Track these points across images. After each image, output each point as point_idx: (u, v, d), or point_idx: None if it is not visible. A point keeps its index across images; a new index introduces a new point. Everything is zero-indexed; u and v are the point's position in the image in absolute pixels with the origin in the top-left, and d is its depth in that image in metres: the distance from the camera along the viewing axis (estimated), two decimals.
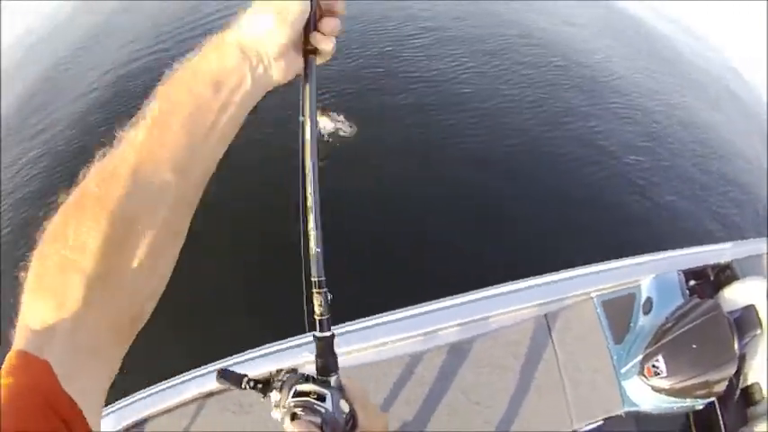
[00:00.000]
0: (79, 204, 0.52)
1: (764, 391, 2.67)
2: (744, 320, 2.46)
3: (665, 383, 2.17)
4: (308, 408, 0.70)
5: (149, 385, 2.05)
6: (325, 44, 0.64)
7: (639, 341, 2.22)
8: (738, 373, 2.43)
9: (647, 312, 2.25)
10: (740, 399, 2.60)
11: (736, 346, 2.34)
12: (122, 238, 0.52)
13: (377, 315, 2.05)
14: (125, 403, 1.96)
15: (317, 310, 0.73)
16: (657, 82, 6.15)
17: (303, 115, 0.66)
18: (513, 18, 7.06)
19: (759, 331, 2.50)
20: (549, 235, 3.38)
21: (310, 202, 0.67)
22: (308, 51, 0.65)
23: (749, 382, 2.61)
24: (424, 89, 5.07)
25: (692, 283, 2.49)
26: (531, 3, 7.77)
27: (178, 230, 0.59)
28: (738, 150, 5.38)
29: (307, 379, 0.76)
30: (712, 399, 2.37)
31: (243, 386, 0.84)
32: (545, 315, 2.06)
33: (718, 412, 2.55)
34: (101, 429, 0.51)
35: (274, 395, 0.76)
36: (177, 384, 2.02)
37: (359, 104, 4.74)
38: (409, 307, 2.05)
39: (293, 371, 0.78)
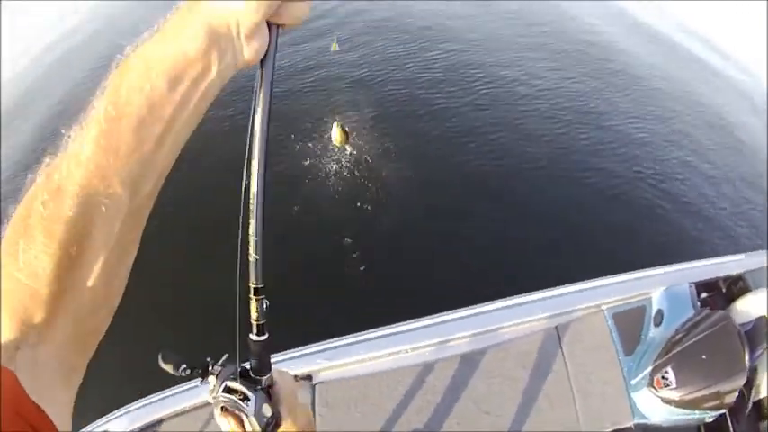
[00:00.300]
0: (26, 224, 0.49)
1: None
2: (756, 332, 2.46)
3: (674, 395, 2.19)
4: (233, 406, 0.76)
5: (163, 389, 2.12)
6: (299, 11, 0.55)
7: (650, 353, 2.24)
8: (750, 385, 2.43)
9: (657, 324, 2.28)
10: (752, 412, 2.60)
11: (746, 356, 2.34)
12: (74, 260, 0.49)
13: (392, 324, 2.11)
14: (139, 405, 2.02)
15: (254, 315, 0.73)
16: (673, 94, 6.10)
17: (256, 103, 0.58)
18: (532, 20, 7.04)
19: None
20: (560, 248, 3.39)
21: (254, 206, 0.63)
22: (274, 23, 0.55)
23: (762, 396, 2.61)
24: (433, 97, 5.12)
25: (703, 295, 2.51)
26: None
27: (131, 243, 0.56)
28: (751, 164, 5.34)
29: (241, 374, 0.79)
30: (723, 411, 2.38)
31: (179, 372, 0.85)
32: (556, 327, 2.10)
33: (730, 425, 2.56)
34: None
35: (211, 380, 0.80)
36: (192, 388, 2.09)
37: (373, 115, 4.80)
38: (423, 318, 2.11)
39: (230, 363, 0.81)
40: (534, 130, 4.60)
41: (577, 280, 2.19)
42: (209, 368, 0.81)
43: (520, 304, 2.11)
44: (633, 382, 2.18)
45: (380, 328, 2.11)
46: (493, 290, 2.17)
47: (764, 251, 2.93)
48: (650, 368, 2.18)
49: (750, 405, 2.52)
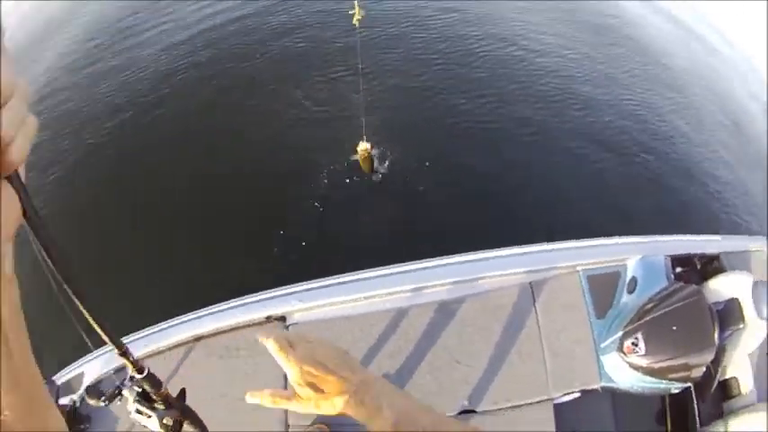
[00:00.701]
0: None
1: (743, 388, 2.72)
2: (727, 313, 2.49)
3: (642, 362, 2.21)
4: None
5: (137, 329, 2.09)
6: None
7: (621, 318, 2.26)
8: (717, 364, 2.46)
9: (630, 291, 2.30)
10: (717, 391, 2.64)
11: (716, 333, 2.37)
12: None
13: (368, 269, 2.09)
14: (111, 347, 1.98)
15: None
16: (673, 71, 6.07)
17: None
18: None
19: (741, 326, 2.53)
20: (544, 208, 3.40)
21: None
22: None
23: (728, 376, 2.66)
24: (431, 67, 5.06)
25: (678, 269, 2.53)
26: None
27: None
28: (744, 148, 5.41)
29: (143, 396, 0.99)
30: (689, 384, 2.41)
31: (102, 401, 1.11)
32: (530, 283, 2.10)
33: (694, 399, 2.59)
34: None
35: (127, 397, 1.00)
36: (165, 329, 2.06)
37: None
38: (400, 264, 2.09)
39: (131, 379, 0.98)
40: (527, 95, 4.59)
41: (556, 240, 2.20)
42: (122, 390, 1.02)
43: (497, 257, 2.11)
44: (603, 345, 2.19)
45: (357, 272, 2.09)
46: (473, 242, 2.16)
47: (742, 236, 2.99)
48: (620, 333, 2.20)
49: (716, 383, 2.55)
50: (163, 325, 2.08)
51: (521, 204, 3.32)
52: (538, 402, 2.01)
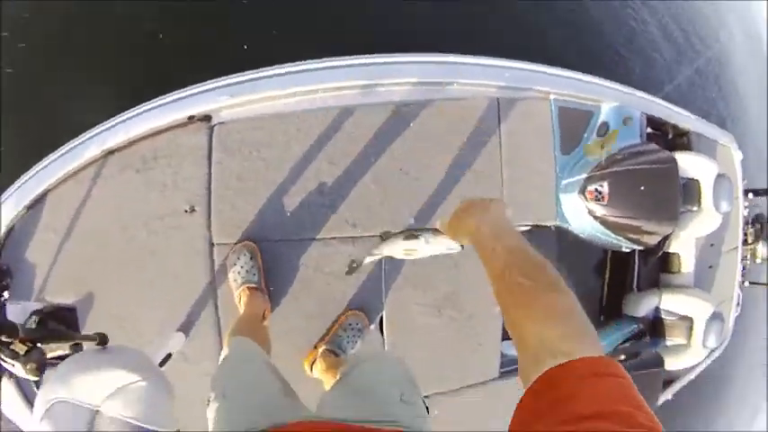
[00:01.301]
0: None
1: (683, 266, 2.72)
2: (686, 191, 2.40)
3: (602, 211, 2.07)
4: None
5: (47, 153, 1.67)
6: None
7: (587, 161, 2.09)
8: (668, 236, 2.40)
9: (601, 135, 2.11)
10: (658, 260, 2.62)
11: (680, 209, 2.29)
12: None
13: (311, 60, 1.74)
14: (24, 180, 1.61)
15: None
16: None
17: None
18: None
19: (696, 209, 2.47)
20: (528, 24, 3.04)
21: None
22: None
23: (671, 250, 2.64)
24: None
25: (649, 130, 2.38)
26: None
27: None
28: None
29: None
30: (637, 248, 2.35)
31: None
32: (498, 100, 1.84)
33: (636, 262, 2.56)
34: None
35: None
36: (74, 147, 1.65)
37: None
38: (349, 56, 1.74)
39: None
40: None
41: (535, 61, 1.92)
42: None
43: (466, 65, 1.81)
44: (564, 182, 2.02)
45: (297, 63, 1.73)
46: (441, 45, 1.82)
47: (719, 128, 2.88)
48: (585, 175, 2.03)
49: (660, 253, 2.52)
50: (71, 144, 1.67)
51: (504, 12, 2.88)
52: None
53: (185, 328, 1.72)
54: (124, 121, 1.68)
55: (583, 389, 0.42)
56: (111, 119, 1.73)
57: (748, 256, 3.27)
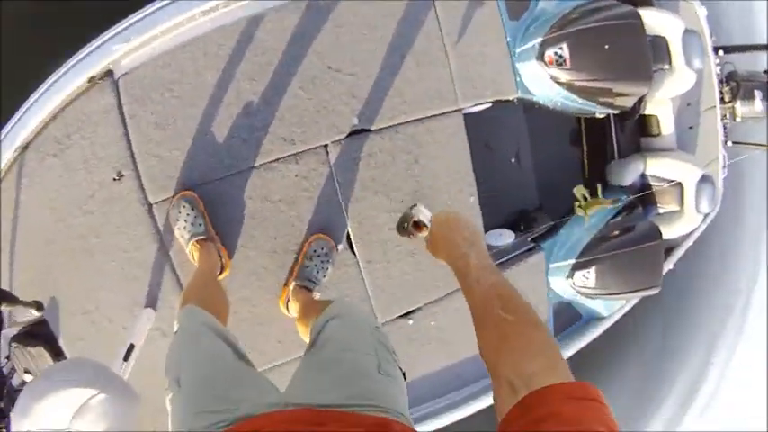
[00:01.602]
0: None
1: (663, 128, 2.57)
2: (654, 49, 2.21)
3: (566, 76, 1.88)
4: None
5: None
6: None
7: (540, 24, 1.87)
8: (642, 98, 2.24)
9: None
10: (636, 124, 2.47)
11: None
12: None
13: None
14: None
15: None
16: None
17: None
18: None
19: (667, 67, 2.29)
20: None
21: None
22: None
23: (647, 112, 2.48)
24: None
25: None
26: None
27: None
28: None
29: None
30: (611, 112, 2.19)
31: None
32: None
33: (613, 128, 2.41)
34: None
35: None
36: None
37: None
38: None
39: None
40: None
41: None
42: None
43: None
44: (518, 50, 1.82)
45: None
46: None
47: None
48: (540, 40, 1.82)
49: (637, 116, 2.37)
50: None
51: None
52: (444, 114, 1.64)
53: (151, 301, 1.59)
54: (25, 111, 1.48)
55: (562, 410, 0.44)
56: (14, 115, 1.52)
57: (728, 116, 3.17)
